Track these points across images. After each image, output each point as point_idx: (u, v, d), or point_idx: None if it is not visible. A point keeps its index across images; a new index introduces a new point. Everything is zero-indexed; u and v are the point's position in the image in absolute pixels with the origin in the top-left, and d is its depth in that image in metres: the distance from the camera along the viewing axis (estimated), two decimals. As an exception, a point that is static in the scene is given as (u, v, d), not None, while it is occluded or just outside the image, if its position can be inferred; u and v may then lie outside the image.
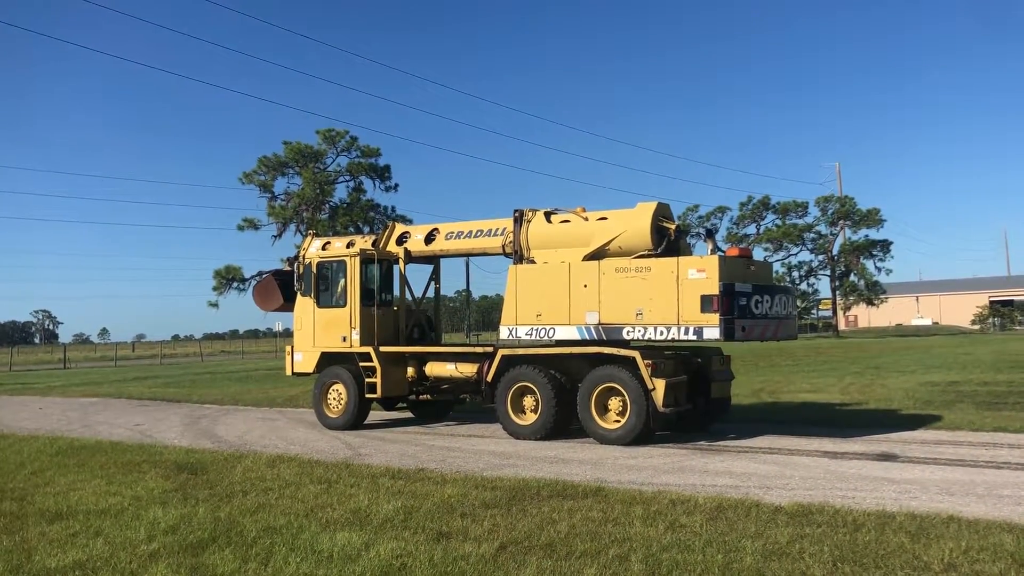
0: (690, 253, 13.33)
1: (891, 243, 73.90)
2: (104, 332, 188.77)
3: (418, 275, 16.72)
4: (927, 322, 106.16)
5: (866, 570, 6.07)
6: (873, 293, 74.29)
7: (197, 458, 11.95)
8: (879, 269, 74.07)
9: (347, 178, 52.29)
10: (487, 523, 7.68)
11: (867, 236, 73.65)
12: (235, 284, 50.67)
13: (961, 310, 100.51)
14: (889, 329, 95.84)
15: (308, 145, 50.84)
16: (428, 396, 15.85)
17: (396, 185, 52.42)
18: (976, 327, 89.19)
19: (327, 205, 51.37)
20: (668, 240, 13.00)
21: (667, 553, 6.57)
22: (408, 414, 17.23)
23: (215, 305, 51.05)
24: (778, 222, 74.40)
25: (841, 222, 74.40)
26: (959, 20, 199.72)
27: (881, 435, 12.82)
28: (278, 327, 74.40)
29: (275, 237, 51.24)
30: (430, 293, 16.95)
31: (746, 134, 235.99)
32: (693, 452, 11.81)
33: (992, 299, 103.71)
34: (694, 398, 13.15)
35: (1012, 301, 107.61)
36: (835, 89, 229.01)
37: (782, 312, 13.03)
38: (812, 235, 73.99)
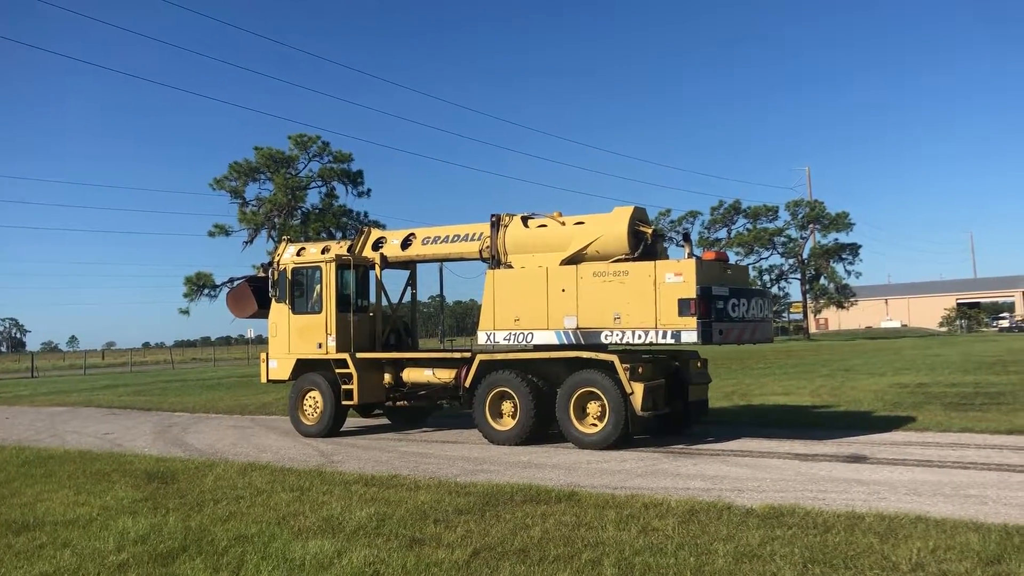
0: (666, 257, 13.38)
1: (860, 246, 74.87)
2: (73, 340, 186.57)
3: (393, 281, 16.70)
4: (896, 324, 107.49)
5: (836, 571, 6.13)
6: (843, 296, 75.14)
7: (167, 467, 11.83)
8: (849, 272, 75.05)
9: (319, 183, 52.11)
10: (460, 529, 7.67)
11: (836, 240, 74.59)
12: (206, 291, 50.30)
13: (929, 312, 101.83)
14: (859, 331, 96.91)
15: (280, 150, 50.61)
16: (405, 402, 15.73)
17: (369, 191, 52.36)
18: (944, 329, 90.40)
19: (299, 211, 51.14)
20: (645, 244, 13.02)
21: (640, 556, 6.60)
22: (384, 420, 17.15)
23: (186, 312, 50.65)
24: (749, 226, 75.03)
25: (811, 226, 75.23)
26: (929, 26, 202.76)
27: (851, 437, 12.95)
28: (250, 334, 73.91)
29: (246, 243, 50.97)
30: (406, 299, 16.89)
31: (718, 139, 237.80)
32: (666, 455, 11.86)
33: (959, 301, 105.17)
34: (672, 401, 13.17)
35: (979, 303, 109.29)
36: (805, 94, 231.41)
37: (758, 315, 13.10)
38: (783, 239, 74.70)
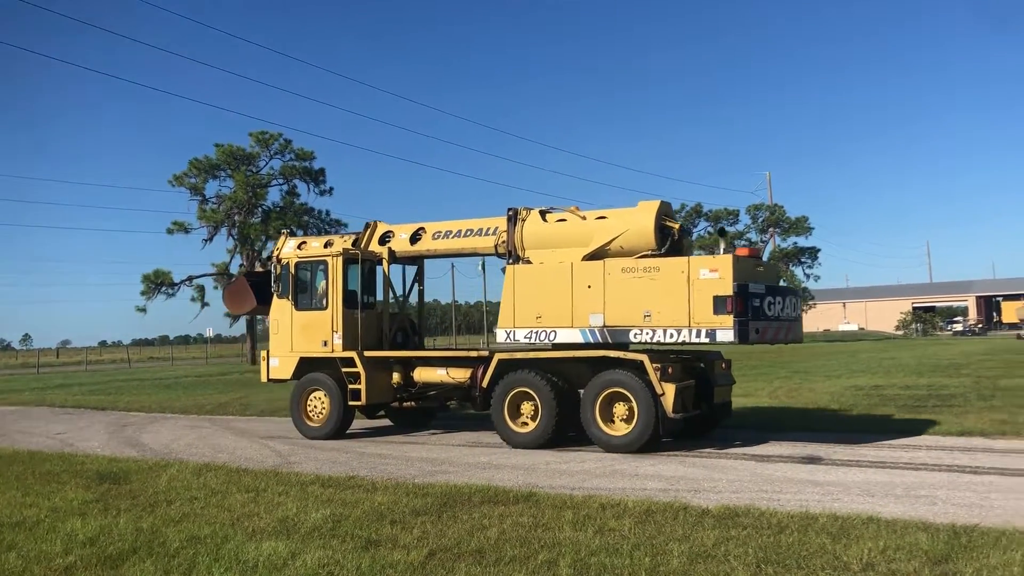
0: (691, 253, 12.97)
1: (819, 250, 75.79)
2: (27, 338, 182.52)
3: (397, 277, 15.97)
4: (853, 327, 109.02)
5: (788, 571, 6.19)
6: (802, 299, 76.04)
7: (120, 467, 11.63)
8: (808, 276, 75.93)
9: (280, 181, 51.58)
10: (417, 530, 7.63)
11: (796, 244, 75.51)
12: (164, 289, 49.62)
13: (886, 316, 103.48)
14: (817, 334, 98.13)
15: (240, 147, 50.03)
16: (413, 403, 15.21)
17: (331, 189, 51.92)
18: (900, 332, 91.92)
19: (260, 208, 50.61)
20: (672, 239, 12.64)
21: (595, 557, 6.61)
22: (387, 422, 16.58)
23: (143, 310, 49.89)
24: (710, 229, 75.69)
25: (771, 229, 76.11)
26: (886, 33, 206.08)
27: (807, 438, 13.09)
28: (209, 333, 73.09)
29: (206, 241, 50.34)
30: (412, 295, 16.30)
31: (681, 143, 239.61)
32: (624, 456, 11.90)
33: (915, 305, 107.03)
34: (698, 403, 12.81)
35: (934, 307, 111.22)
36: (767, 100, 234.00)
37: (792, 314, 12.81)
38: (743, 242, 75.46)
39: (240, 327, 53.58)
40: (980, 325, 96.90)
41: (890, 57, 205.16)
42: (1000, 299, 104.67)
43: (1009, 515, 7.73)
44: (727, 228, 12.15)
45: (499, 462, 11.71)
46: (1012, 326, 79.99)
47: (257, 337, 57.26)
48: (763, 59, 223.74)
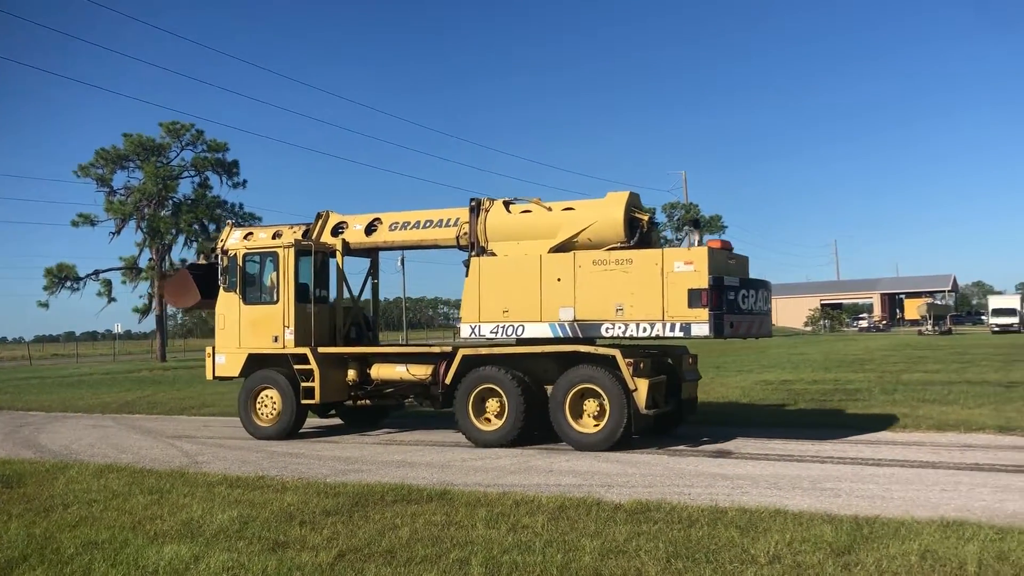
0: (659, 245, 12.58)
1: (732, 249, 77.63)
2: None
3: (350, 270, 15.28)
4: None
5: (698, 565, 6.25)
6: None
7: (14, 469, 11.11)
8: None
9: (192, 173, 50.32)
10: (327, 531, 7.47)
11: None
12: (68, 283, 47.90)
13: (795, 312, 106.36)
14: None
15: (150, 138, 48.69)
16: (368, 401, 14.58)
17: (245, 181, 50.96)
18: (808, 328, 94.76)
19: (170, 201, 49.27)
20: (641, 231, 12.36)
21: (508, 555, 6.56)
22: (337, 421, 16.03)
23: (45, 305, 48.15)
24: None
25: (686, 228, 77.57)
26: (801, 37, 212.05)
27: (718, 432, 13.31)
28: (117, 329, 70.66)
29: (113, 234, 48.86)
30: (366, 289, 15.77)
31: (596, 140, 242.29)
32: (539, 452, 11.90)
33: (823, 302, 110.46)
34: (668, 399, 12.61)
35: (841, 304, 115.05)
36: (682, 100, 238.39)
37: (764, 307, 12.63)
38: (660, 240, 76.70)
39: (149, 323, 52.02)
40: (884, 322, 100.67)
41: (795, 60, 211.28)
42: (903, 297, 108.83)
43: (908, 506, 7.98)
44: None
45: (414, 460, 11.59)
46: (914, 323, 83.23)
47: (167, 333, 55.71)
48: (679, 65, 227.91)
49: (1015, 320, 68.54)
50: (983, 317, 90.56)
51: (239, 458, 12.14)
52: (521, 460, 11.30)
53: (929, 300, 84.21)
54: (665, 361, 12.85)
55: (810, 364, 29.76)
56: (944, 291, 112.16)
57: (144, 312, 50.40)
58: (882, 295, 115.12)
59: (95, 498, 9.13)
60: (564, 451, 11.92)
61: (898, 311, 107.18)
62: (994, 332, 66.57)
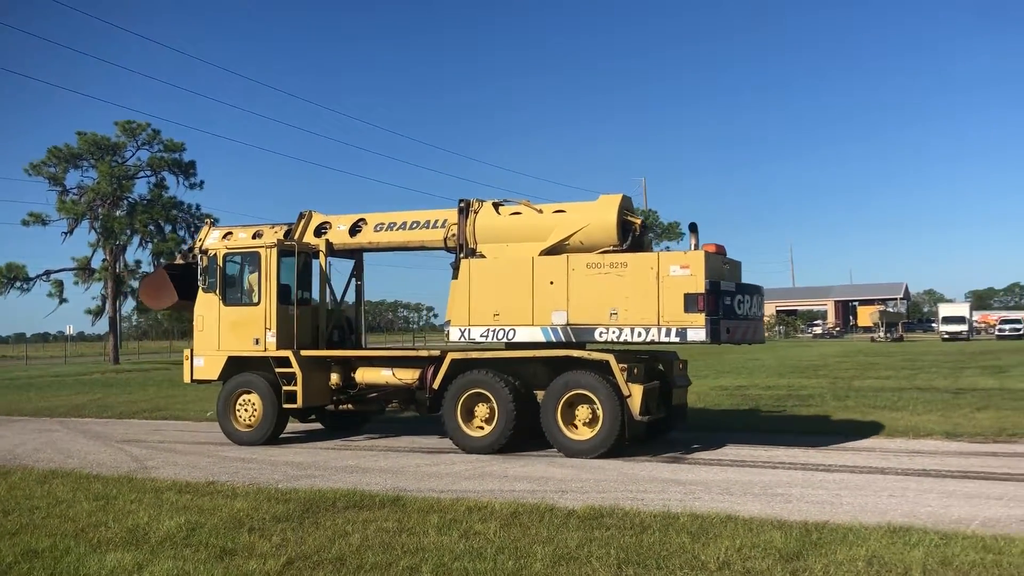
0: (651, 249, 12.63)
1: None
2: None
3: (333, 271, 15.02)
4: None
5: (648, 571, 6.26)
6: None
7: (-45, 475, 10.81)
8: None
9: (148, 173, 49.54)
10: (276, 538, 7.36)
11: (668, 248, 77.60)
12: (18, 283, 46.92)
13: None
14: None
15: (105, 137, 47.87)
16: (350, 406, 14.19)
17: (202, 182, 50.26)
18: (764, 334, 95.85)
19: (125, 201, 48.45)
20: (633, 235, 12.26)
21: (459, 562, 6.52)
22: (317, 426, 15.63)
23: (-7, 306, 46.92)
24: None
25: (650, 235, 78.02)
26: (750, 41, 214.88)
27: (674, 437, 13.37)
28: (69, 330, 69.23)
29: (66, 234, 47.92)
30: (350, 291, 15.46)
31: (556, 145, 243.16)
32: (494, 458, 11.86)
33: (779, 308, 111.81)
34: (660, 405, 12.37)
35: (796, 311, 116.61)
36: (643, 105, 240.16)
37: (757, 313, 12.53)
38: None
39: (103, 325, 51.08)
40: (838, 328, 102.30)
41: (756, 69, 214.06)
42: (856, 304, 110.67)
43: (857, 511, 8.08)
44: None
45: (367, 465, 11.49)
46: (867, 329, 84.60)
47: (121, 336, 54.75)
48: (634, 70, 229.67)
49: (964, 328, 70.05)
50: (934, 325, 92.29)
51: (190, 463, 11.94)
52: (476, 466, 11.26)
53: (881, 307, 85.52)
54: (656, 367, 12.70)
55: (765, 370, 30.10)
56: (896, 299, 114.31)
57: (97, 314, 49.48)
58: (836, 302, 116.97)
59: (37, 505, 8.92)
60: (519, 456, 11.89)
61: (852, 318, 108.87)
62: (944, 339, 67.96)
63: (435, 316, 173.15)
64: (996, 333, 70.84)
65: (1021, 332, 69.16)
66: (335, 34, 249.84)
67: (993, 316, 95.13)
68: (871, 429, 13.89)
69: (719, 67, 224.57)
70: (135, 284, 49.78)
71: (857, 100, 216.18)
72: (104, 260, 48.37)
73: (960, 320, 71.29)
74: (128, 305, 53.67)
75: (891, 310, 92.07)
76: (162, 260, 47.55)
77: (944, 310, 78.06)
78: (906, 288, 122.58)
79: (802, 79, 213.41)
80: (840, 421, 14.97)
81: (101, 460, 12.34)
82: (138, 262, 49.62)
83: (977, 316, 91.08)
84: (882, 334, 72.40)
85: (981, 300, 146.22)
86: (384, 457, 12.17)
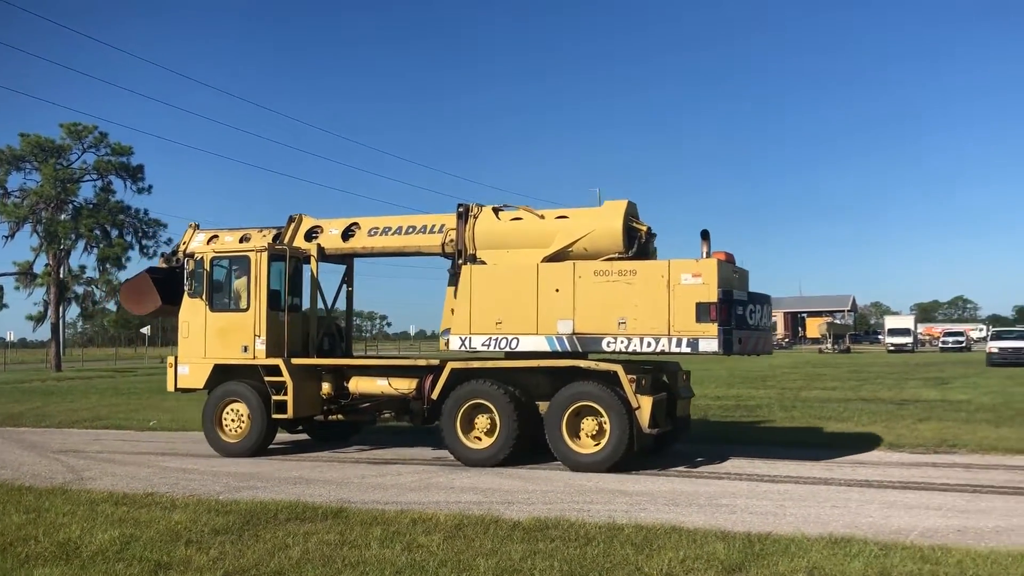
0: (656, 257, 12.38)
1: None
2: None
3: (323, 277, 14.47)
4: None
5: (591, 584, 6.22)
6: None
7: None
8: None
9: (94, 177, 48.54)
10: (214, 551, 7.18)
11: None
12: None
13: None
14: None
15: (49, 139, 46.78)
16: (340, 416, 13.71)
17: (150, 187, 49.39)
18: (772, 345, 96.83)
19: (70, 205, 47.43)
20: (639, 242, 11.93)
21: (401, 575, 6.42)
22: (304, 437, 15.16)
23: (-72, 311, 45.61)
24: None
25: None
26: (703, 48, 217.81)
27: (678, 449, 13.25)
28: (9, 336, 67.43)
29: (7, 238, 46.75)
30: (340, 297, 15.05)
31: (514, 154, 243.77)
32: (440, 468, 11.76)
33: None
34: (667, 417, 12.02)
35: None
36: (602, 115, 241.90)
37: (767, 323, 12.27)
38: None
39: (45, 331, 49.88)
40: (787, 339, 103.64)
41: (694, 75, 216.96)
42: (805, 315, 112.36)
43: (800, 522, 8.13)
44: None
45: (311, 476, 11.31)
46: (815, 341, 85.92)
47: (64, 343, 53.49)
48: (590, 77, 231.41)
49: (909, 340, 71.45)
50: (880, 337, 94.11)
51: (129, 473, 11.65)
52: (422, 477, 11.14)
53: (829, 319, 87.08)
54: (661, 377, 12.41)
55: (714, 380, 30.34)
56: (844, 311, 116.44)
57: (39, 320, 48.30)
58: (785, 313, 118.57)
59: (-35, 518, 8.61)
60: (465, 468, 11.78)
61: (800, 329, 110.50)
62: (890, 351, 69.25)
63: (388, 325, 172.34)
64: (940, 345, 72.34)
65: (963, 345, 70.76)
66: (335, 36, 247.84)
67: (937, 328, 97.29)
68: (817, 440, 14.04)
69: (674, 80, 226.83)
70: (79, 290, 48.77)
71: (806, 116, 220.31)
72: (47, 265, 47.27)
73: (905, 332, 72.73)
74: (72, 311, 52.57)
75: (839, 322, 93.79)
76: (108, 265, 46.68)
77: (890, 322, 79.65)
78: (853, 300, 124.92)
79: (762, 88, 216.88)
80: (786, 431, 15.12)
81: (35, 471, 11.98)
82: (83, 267, 48.59)
83: (922, 328, 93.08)
84: (829, 346, 73.58)
85: (926, 313, 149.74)
86: (330, 468, 12.00)
